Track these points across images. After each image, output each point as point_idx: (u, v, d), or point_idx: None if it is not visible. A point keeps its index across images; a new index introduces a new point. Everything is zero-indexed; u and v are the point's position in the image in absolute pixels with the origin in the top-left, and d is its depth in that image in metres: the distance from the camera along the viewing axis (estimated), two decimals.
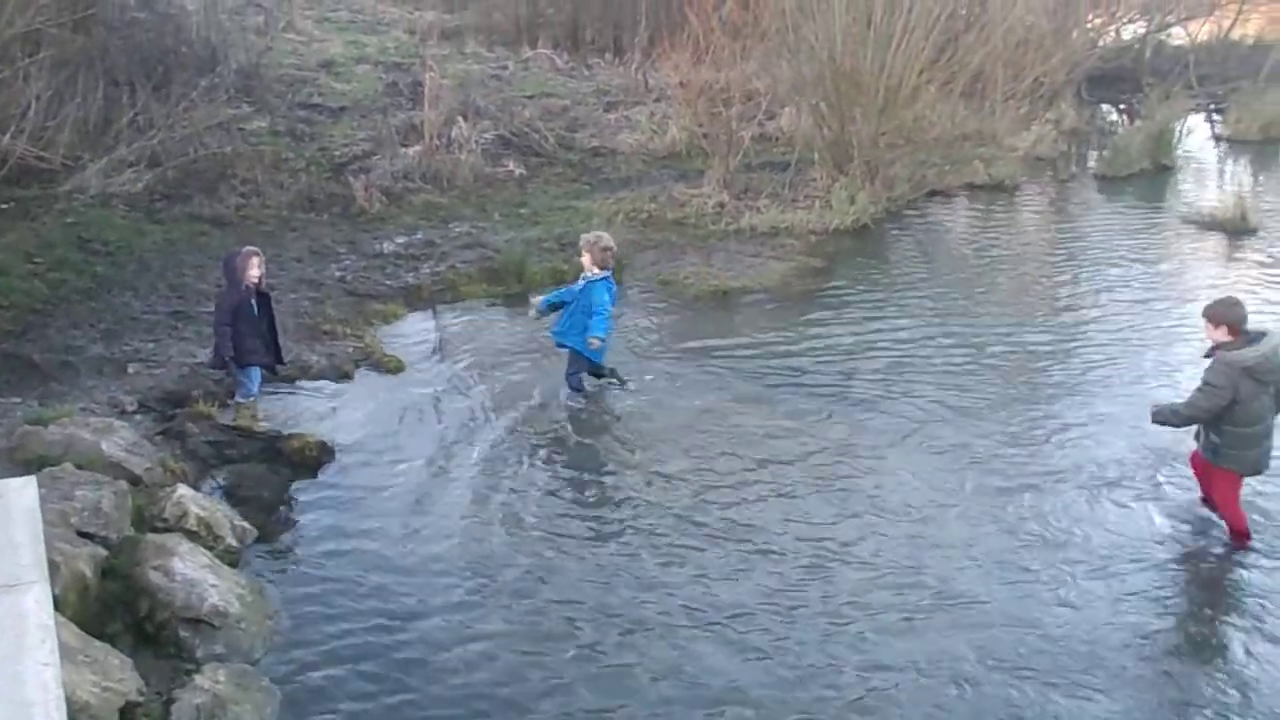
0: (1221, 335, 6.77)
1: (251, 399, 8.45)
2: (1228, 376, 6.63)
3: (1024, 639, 6.12)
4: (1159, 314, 11.15)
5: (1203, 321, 6.96)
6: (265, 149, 15.39)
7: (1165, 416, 7.02)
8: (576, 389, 9.17)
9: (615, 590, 6.52)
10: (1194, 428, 7.15)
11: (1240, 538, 6.99)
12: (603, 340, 8.84)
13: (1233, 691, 5.72)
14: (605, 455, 8.24)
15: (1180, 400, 7.06)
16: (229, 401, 8.50)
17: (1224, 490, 7.03)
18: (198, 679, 5.36)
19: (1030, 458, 8.18)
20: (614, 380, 9.28)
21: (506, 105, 18.14)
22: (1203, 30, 25.13)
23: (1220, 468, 6.97)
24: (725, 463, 8.09)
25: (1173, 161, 18.25)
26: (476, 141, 15.99)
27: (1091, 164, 18.87)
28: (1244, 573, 6.77)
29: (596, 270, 8.91)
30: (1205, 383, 6.76)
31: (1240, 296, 7.12)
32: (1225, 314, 6.79)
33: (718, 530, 7.16)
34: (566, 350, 9.10)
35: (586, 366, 9.13)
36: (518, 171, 15.85)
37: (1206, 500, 7.29)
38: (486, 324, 10.70)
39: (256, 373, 8.49)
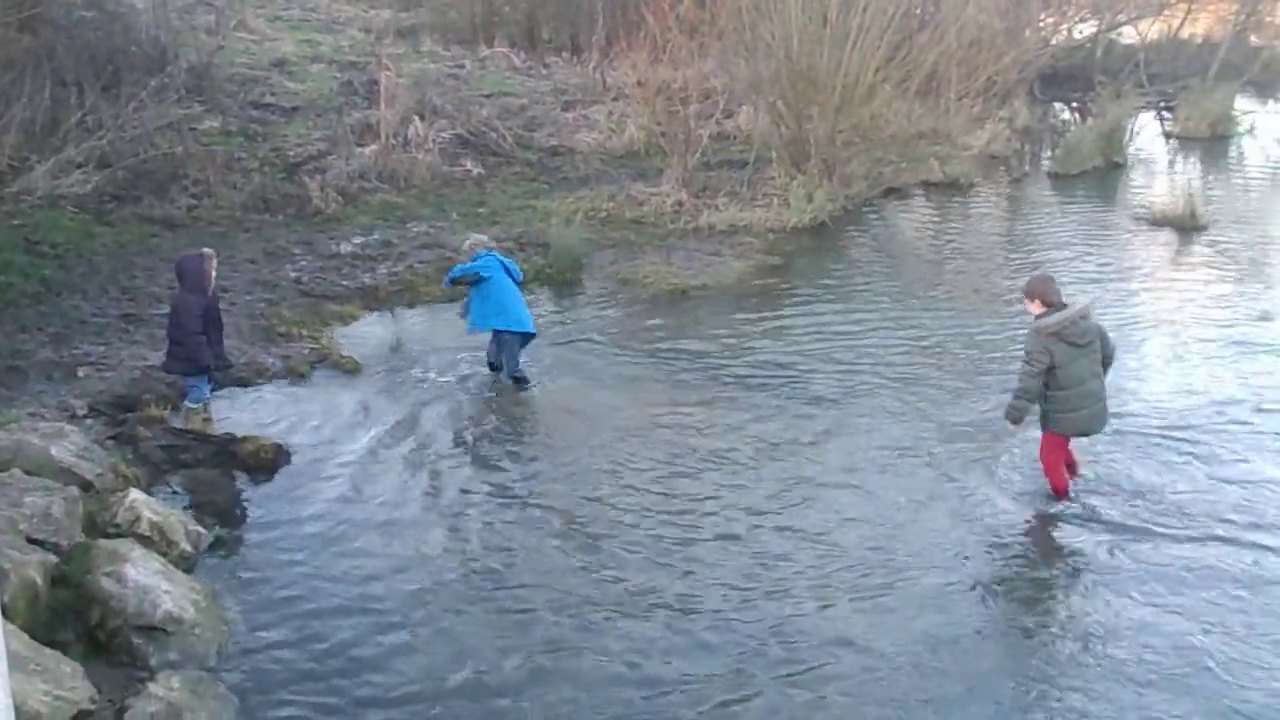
0: (1036, 308, 7.28)
1: (203, 402, 8.34)
2: (1039, 343, 7.16)
3: (982, 620, 6.20)
4: (1109, 309, 11.24)
5: (1025, 301, 7.46)
6: (217, 149, 15.22)
7: (1010, 411, 7.40)
8: (521, 379, 9.27)
9: (573, 583, 6.48)
10: None
11: (1059, 494, 7.46)
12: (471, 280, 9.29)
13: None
14: (563, 452, 8.20)
15: (1014, 392, 7.40)
16: (181, 404, 8.37)
17: (1048, 453, 7.48)
18: (152, 687, 5.26)
19: (979, 449, 8.23)
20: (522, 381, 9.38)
21: (464, 104, 18.05)
22: (1153, 29, 25.53)
23: (1050, 432, 7.41)
24: (679, 457, 8.10)
25: (1124, 159, 18.50)
26: (434, 140, 15.90)
27: (1044, 162, 19.11)
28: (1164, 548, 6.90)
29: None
30: (1023, 358, 7.29)
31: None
32: (1037, 289, 7.32)
33: (670, 522, 7.15)
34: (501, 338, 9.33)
35: (520, 345, 9.29)
36: (476, 171, 15.77)
37: (1058, 493, 7.53)
38: (444, 324, 10.60)
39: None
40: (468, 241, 9.84)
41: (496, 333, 9.35)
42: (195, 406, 8.30)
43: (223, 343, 8.52)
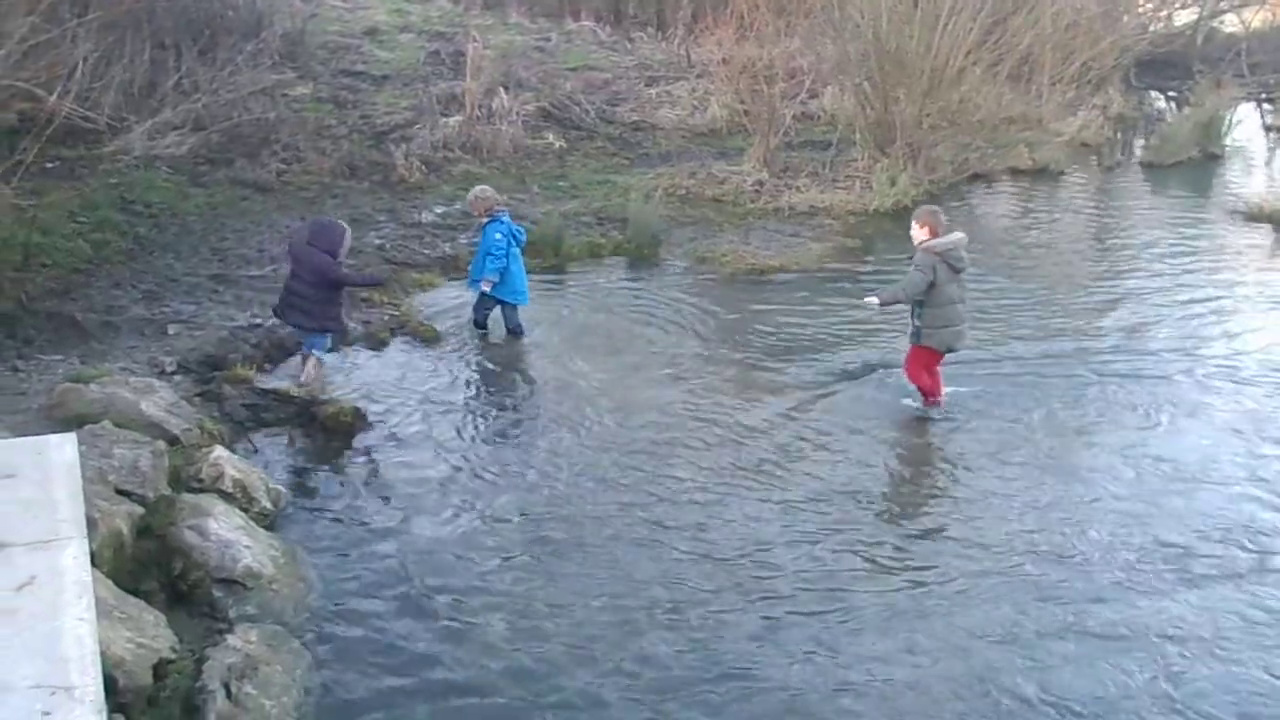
0: (925, 234, 8.33)
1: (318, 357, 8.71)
2: (928, 261, 8.21)
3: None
4: (1199, 310, 10.94)
5: (914, 226, 8.48)
6: (308, 115, 15.48)
7: (891, 295, 8.49)
8: (516, 332, 9.73)
9: (640, 567, 6.52)
10: None
11: (931, 396, 8.52)
12: (494, 281, 9.50)
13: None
14: (632, 424, 8.24)
15: (894, 285, 8.66)
16: (306, 354, 8.63)
17: (914, 364, 8.51)
18: (230, 639, 5.42)
19: (1054, 441, 8.13)
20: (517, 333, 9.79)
21: (548, 77, 18.14)
22: (1256, 18, 24.68)
23: (920, 346, 8.42)
24: (742, 433, 8.13)
25: (1221, 150, 17.96)
26: (517, 113, 16.00)
27: (1138, 151, 18.64)
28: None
29: (484, 218, 9.63)
30: (914, 267, 8.32)
31: None
32: (926, 218, 8.42)
33: (734, 496, 7.19)
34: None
35: (493, 305, 9.72)
36: (557, 144, 15.85)
37: (928, 399, 8.55)
38: None
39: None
40: (473, 192, 9.89)
41: (496, 298, 9.68)
42: (318, 354, 8.61)
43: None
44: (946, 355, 8.56)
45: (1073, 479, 7.63)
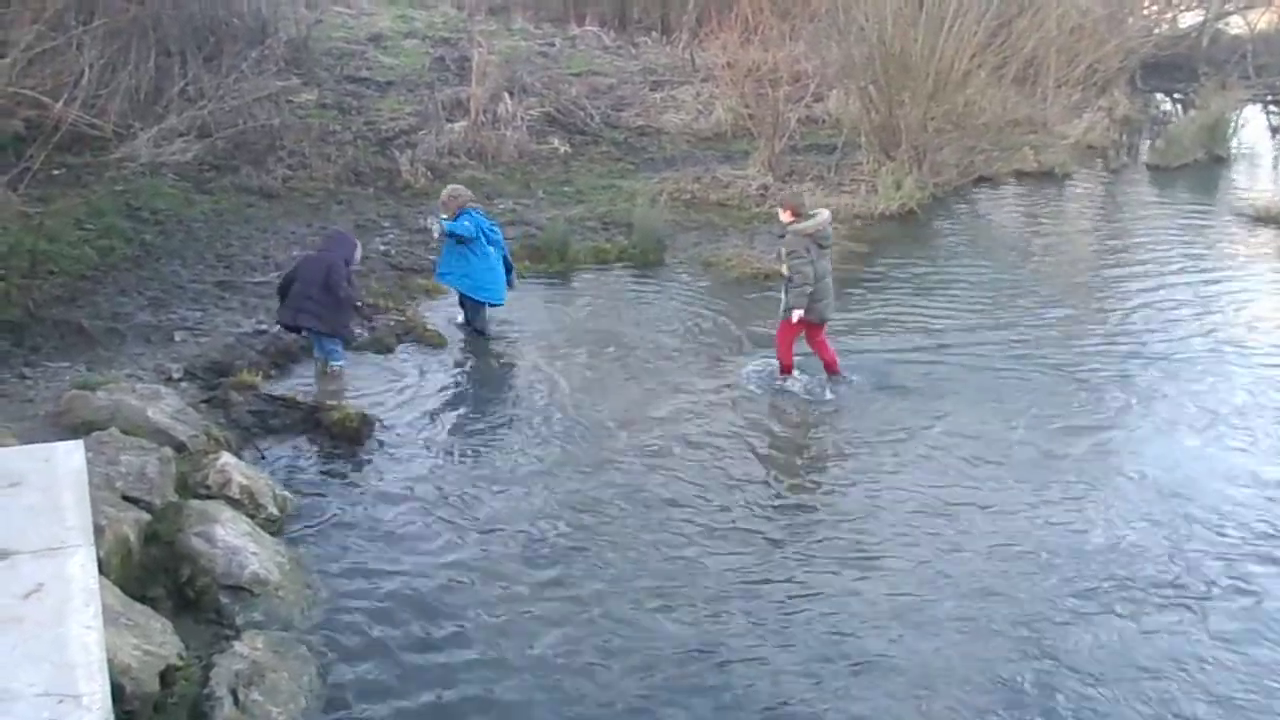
0: (788, 217, 8.77)
1: (327, 363, 8.92)
2: (799, 243, 8.61)
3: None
4: (1204, 312, 10.92)
5: (779, 211, 8.98)
6: (313, 121, 15.51)
7: (791, 302, 8.67)
8: (481, 332, 9.87)
9: (648, 567, 6.53)
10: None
11: (785, 371, 8.95)
12: (442, 229, 9.68)
13: None
14: (639, 427, 8.23)
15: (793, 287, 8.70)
16: (329, 368, 8.86)
17: (783, 335, 8.91)
18: (237, 645, 5.42)
19: (1032, 448, 8.10)
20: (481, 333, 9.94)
21: (553, 83, 18.15)
22: (1262, 19, 24.66)
23: (788, 319, 8.74)
24: (744, 436, 8.16)
25: (1227, 153, 17.94)
26: (522, 118, 16.01)
27: (1143, 154, 18.61)
28: None
29: (448, 219, 9.76)
30: (789, 255, 8.64)
31: None
32: (789, 201, 8.97)
33: (728, 490, 7.20)
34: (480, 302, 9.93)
35: (474, 307, 9.90)
36: (562, 149, 15.85)
37: (830, 370, 8.98)
38: (528, 300, 10.70)
39: None
40: (446, 192, 10.06)
41: (469, 297, 9.88)
42: (339, 365, 8.88)
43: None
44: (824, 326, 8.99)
45: (1069, 475, 7.66)
